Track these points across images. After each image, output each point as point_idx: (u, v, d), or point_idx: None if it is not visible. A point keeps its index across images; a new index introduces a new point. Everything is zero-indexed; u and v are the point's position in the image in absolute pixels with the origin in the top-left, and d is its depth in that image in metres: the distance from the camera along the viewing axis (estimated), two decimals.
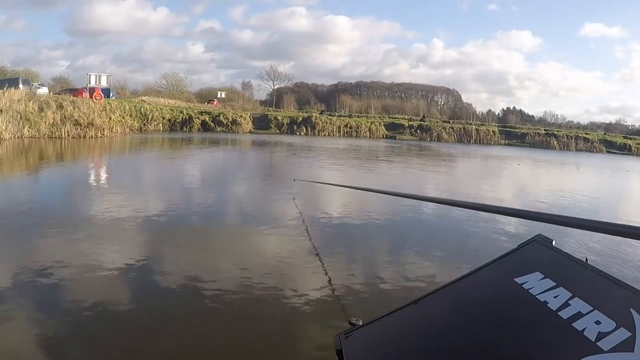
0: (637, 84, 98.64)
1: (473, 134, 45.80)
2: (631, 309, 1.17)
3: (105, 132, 23.78)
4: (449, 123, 49.87)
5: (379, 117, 50.37)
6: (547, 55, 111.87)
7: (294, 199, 8.51)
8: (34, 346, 3.05)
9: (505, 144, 45.13)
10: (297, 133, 38.87)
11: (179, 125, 34.00)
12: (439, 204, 7.58)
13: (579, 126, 66.51)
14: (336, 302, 4.06)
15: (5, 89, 22.58)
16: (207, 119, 35.85)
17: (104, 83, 32.03)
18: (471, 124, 49.68)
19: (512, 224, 7.21)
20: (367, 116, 51.14)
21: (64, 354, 3.02)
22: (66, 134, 21.59)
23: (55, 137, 20.87)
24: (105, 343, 3.20)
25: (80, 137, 21.90)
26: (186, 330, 3.45)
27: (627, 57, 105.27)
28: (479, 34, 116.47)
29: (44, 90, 30.14)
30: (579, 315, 1.23)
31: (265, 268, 4.81)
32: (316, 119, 41.28)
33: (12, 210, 6.76)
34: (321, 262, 5.09)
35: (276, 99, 63.95)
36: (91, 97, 28.08)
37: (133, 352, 3.12)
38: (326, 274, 4.72)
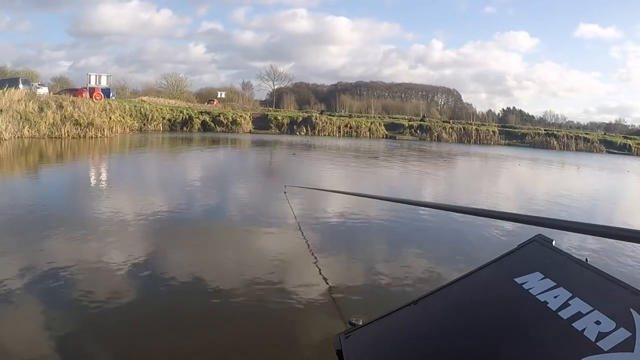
0: (634, 84, 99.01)
1: (473, 134, 45.78)
2: (631, 309, 1.17)
3: (105, 132, 23.76)
4: (449, 123, 49.84)
5: (379, 117, 50.35)
6: (544, 56, 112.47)
7: (286, 197, 8.51)
8: (39, 343, 3.06)
9: (505, 144, 45.09)
10: (297, 133, 38.86)
11: (179, 125, 34.01)
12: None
13: (579, 126, 66.49)
14: (335, 302, 4.06)
15: (5, 89, 22.58)
16: (207, 119, 35.85)
17: (104, 83, 32.00)
18: (471, 124, 49.66)
19: (511, 224, 7.20)
20: (367, 116, 51.14)
21: (66, 352, 3.02)
22: (66, 134, 21.59)
23: (55, 137, 20.87)
24: (109, 341, 3.20)
25: (80, 137, 21.89)
26: (186, 329, 3.45)
27: (623, 57, 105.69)
28: (477, 35, 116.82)
29: (44, 90, 30.15)
30: (579, 315, 1.23)
31: (264, 268, 4.81)
32: (316, 119, 41.27)
33: (16, 210, 6.77)
34: (318, 262, 5.09)
35: (276, 99, 63.97)
36: (91, 97, 28.08)
37: (131, 350, 3.13)
38: (321, 272, 4.73)
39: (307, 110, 53.48)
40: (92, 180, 10.95)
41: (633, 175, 23.26)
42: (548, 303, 1.34)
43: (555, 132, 49.44)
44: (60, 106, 23.33)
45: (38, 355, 2.96)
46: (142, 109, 31.89)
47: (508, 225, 7.17)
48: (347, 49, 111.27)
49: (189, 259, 5.06)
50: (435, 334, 1.56)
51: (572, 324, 1.21)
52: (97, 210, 7.12)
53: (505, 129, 50.63)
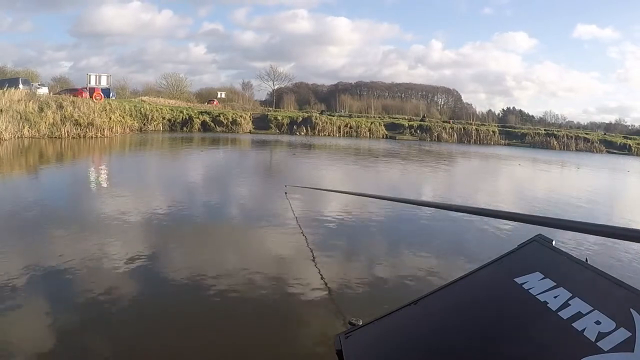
0: (633, 84, 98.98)
1: (473, 134, 45.76)
2: (631, 309, 1.17)
3: (105, 132, 23.75)
4: (449, 123, 49.81)
5: (379, 117, 50.33)
6: (543, 56, 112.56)
7: (287, 197, 8.50)
8: (39, 342, 3.05)
9: (505, 144, 45.07)
10: (297, 133, 38.84)
11: (179, 125, 33.99)
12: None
13: (579, 126, 66.46)
14: (335, 302, 4.06)
15: (5, 89, 22.56)
16: (207, 119, 35.83)
17: (104, 83, 31.95)
18: (471, 124, 49.64)
19: (511, 224, 7.19)
20: (367, 116, 51.11)
21: (66, 351, 3.02)
22: (66, 134, 21.57)
23: (55, 137, 20.85)
24: (109, 341, 3.20)
25: (80, 137, 21.87)
26: (186, 329, 3.45)
27: (621, 57, 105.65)
28: (477, 35, 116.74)
29: (44, 91, 30.15)
30: (579, 315, 1.23)
31: (264, 267, 4.80)
32: (316, 119, 41.24)
33: (16, 209, 6.76)
34: (318, 261, 5.09)
35: (276, 99, 63.95)
36: (91, 97, 28.07)
37: (131, 350, 3.12)
38: (320, 272, 4.72)
39: (307, 110, 53.47)
40: (93, 180, 10.94)
41: (633, 175, 23.26)
42: (548, 303, 1.34)
43: (555, 132, 49.43)
44: (60, 106, 23.32)
45: (38, 354, 2.95)
46: (142, 109, 31.88)
47: (508, 225, 7.17)
48: (347, 49, 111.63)
49: (189, 259, 5.06)
50: (435, 334, 1.56)
51: (572, 324, 1.21)
52: (97, 209, 7.12)
53: (505, 129, 50.61)
